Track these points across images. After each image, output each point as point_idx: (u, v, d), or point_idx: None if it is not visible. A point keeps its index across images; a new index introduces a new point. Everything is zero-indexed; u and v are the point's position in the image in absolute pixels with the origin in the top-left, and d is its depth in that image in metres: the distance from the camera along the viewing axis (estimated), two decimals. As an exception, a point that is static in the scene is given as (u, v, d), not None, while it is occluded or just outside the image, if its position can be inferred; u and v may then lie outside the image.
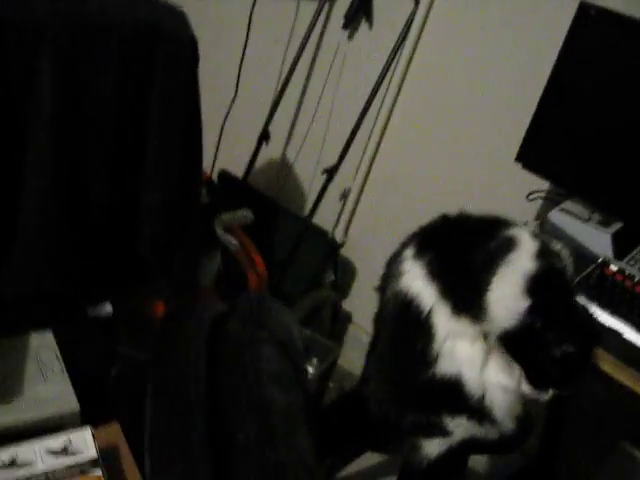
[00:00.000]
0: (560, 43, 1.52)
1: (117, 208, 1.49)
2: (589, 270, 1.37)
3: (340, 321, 2.23)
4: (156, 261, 1.67)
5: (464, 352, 0.93)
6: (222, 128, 2.24)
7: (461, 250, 0.96)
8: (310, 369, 1.89)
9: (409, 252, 0.97)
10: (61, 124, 1.30)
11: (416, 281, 0.94)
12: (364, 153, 2.20)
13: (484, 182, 1.93)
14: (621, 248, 1.54)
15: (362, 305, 2.30)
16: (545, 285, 0.91)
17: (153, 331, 1.87)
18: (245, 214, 1.92)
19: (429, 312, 0.92)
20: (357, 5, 2.14)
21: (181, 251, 1.71)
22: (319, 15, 2.20)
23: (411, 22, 2.03)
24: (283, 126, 2.38)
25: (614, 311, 1.29)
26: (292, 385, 0.84)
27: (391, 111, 2.15)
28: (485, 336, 0.93)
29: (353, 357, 2.11)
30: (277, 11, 2.33)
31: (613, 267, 1.40)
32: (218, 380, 0.78)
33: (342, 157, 2.11)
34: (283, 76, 2.27)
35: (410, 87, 2.11)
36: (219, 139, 2.26)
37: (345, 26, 2.18)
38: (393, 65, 2.06)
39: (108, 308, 1.66)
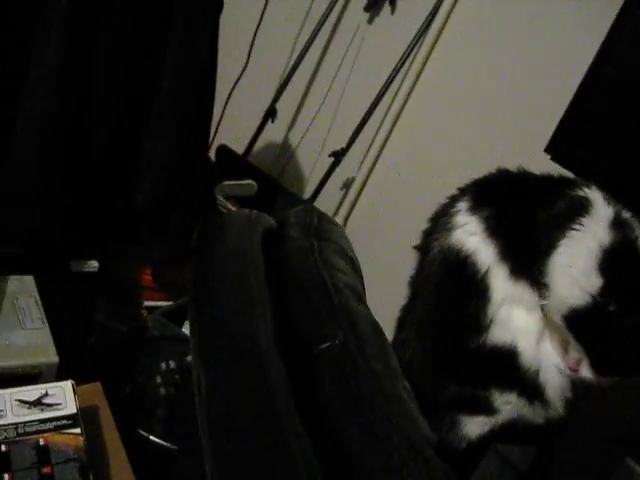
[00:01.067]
0: (586, 38, 1.47)
1: (120, 150, 1.37)
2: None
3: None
4: (151, 217, 1.54)
5: (521, 320, 0.82)
6: (227, 100, 2.11)
7: (524, 207, 0.85)
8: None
9: (463, 205, 0.85)
10: (74, 36, 1.17)
11: (472, 236, 0.83)
12: (373, 142, 2.10)
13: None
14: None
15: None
16: (622, 263, 0.80)
17: (137, 301, 1.74)
18: (249, 184, 1.79)
19: (486, 272, 0.80)
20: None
21: (177, 211, 1.58)
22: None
23: (436, 11, 1.94)
24: (291, 105, 2.27)
25: None
26: (364, 302, 0.72)
27: (406, 101, 2.06)
28: (544, 308, 0.82)
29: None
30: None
31: None
32: (285, 290, 0.65)
33: (352, 141, 2.01)
34: (297, 53, 2.16)
35: (428, 78, 2.02)
36: (223, 111, 2.13)
37: (367, 9, 2.09)
38: (413, 54, 1.97)
39: (94, 264, 1.52)
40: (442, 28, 1.96)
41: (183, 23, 1.35)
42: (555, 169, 1.49)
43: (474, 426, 0.85)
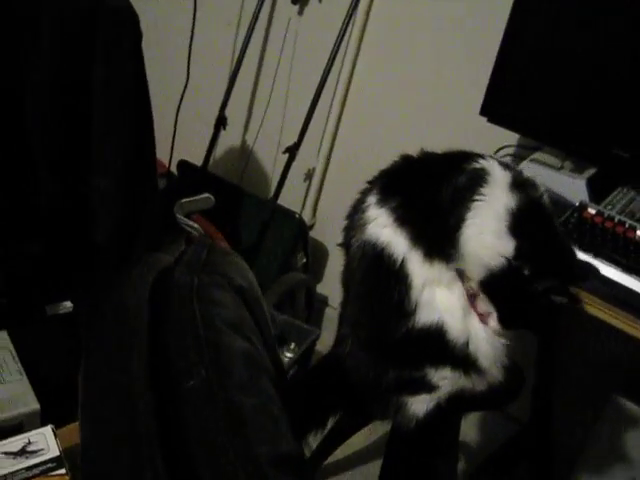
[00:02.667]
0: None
1: (70, 194, 1.41)
2: (567, 215, 1.32)
3: (315, 304, 2.15)
4: (113, 249, 1.59)
5: (444, 299, 0.86)
6: (177, 116, 2.15)
7: (428, 190, 0.88)
8: (288, 355, 1.82)
9: (372, 198, 0.89)
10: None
11: (384, 229, 0.86)
12: (325, 129, 2.13)
13: (451, 144, 1.87)
14: (597, 193, 1.48)
15: (337, 287, 2.23)
16: (529, 221, 0.84)
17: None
18: (205, 198, 1.83)
19: (402, 261, 0.84)
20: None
21: (139, 238, 1.62)
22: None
23: (361, -9, 1.96)
24: (240, 109, 2.31)
25: (597, 253, 1.23)
26: (253, 335, 0.76)
27: (349, 84, 2.09)
28: (463, 278, 0.86)
29: (332, 340, 2.04)
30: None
31: (591, 210, 1.35)
32: (162, 331, 0.70)
33: (302, 134, 2.04)
34: (235, 57, 2.18)
35: (366, 57, 2.05)
36: (174, 128, 2.17)
37: (295, 1, 2.10)
38: (347, 36, 1.99)
39: (67, 305, 1.57)
40: (369, 9, 1.98)
41: (102, 59, 1.38)
42: (494, 129, 1.54)
43: (419, 404, 0.90)
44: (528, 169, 1.49)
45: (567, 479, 1.73)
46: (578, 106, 1.49)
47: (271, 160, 2.28)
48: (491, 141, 1.65)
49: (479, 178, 0.86)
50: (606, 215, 1.33)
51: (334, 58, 2.01)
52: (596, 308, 1.17)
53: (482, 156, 0.89)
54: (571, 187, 1.47)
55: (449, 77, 1.85)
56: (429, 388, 0.89)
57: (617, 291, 1.19)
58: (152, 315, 0.69)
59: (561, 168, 1.52)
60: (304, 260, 2.11)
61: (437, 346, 0.86)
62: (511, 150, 1.68)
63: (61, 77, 1.34)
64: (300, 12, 2.14)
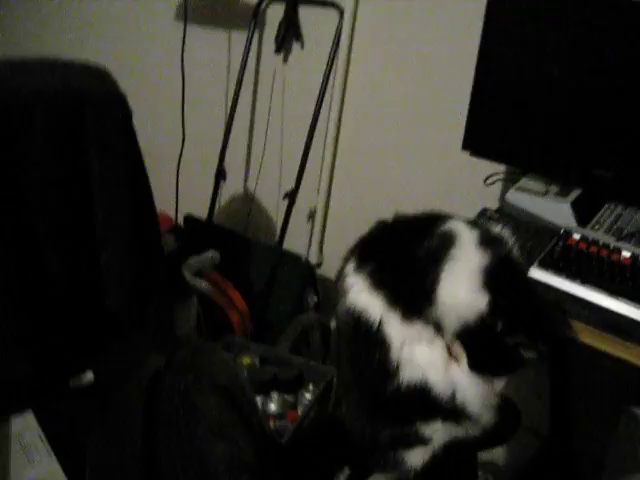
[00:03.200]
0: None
1: (79, 272, 1.49)
2: (552, 244, 1.36)
3: (331, 342, 2.21)
4: (128, 317, 1.66)
5: (424, 355, 0.91)
6: (177, 173, 2.23)
7: (401, 254, 0.94)
8: (307, 396, 1.86)
9: (350, 266, 0.95)
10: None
11: (361, 295, 0.92)
12: (322, 169, 2.19)
13: (442, 176, 1.93)
14: (584, 214, 1.52)
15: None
16: (500, 277, 0.89)
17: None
18: (211, 256, 1.90)
19: (379, 323, 0.90)
20: (285, 28, 2.14)
21: (152, 303, 1.70)
22: (250, 44, 2.20)
23: (340, 32, 2.03)
24: (238, 159, 2.38)
25: (584, 280, 1.27)
26: (237, 434, 0.82)
27: (339, 123, 2.15)
28: (442, 334, 0.91)
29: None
30: (210, 47, 2.33)
31: (576, 236, 1.39)
32: (156, 440, 0.76)
33: (299, 178, 2.10)
34: (228, 110, 2.26)
35: (352, 95, 2.11)
36: (177, 184, 2.25)
37: (277, 50, 2.18)
38: (332, 77, 2.06)
39: (89, 376, 1.64)
40: (349, 50, 2.04)
41: (95, 147, 1.46)
42: (478, 162, 1.59)
43: (416, 457, 0.95)
44: (514, 198, 1.54)
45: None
46: (554, 131, 1.54)
47: (273, 206, 2.34)
48: (481, 170, 1.69)
49: (448, 240, 0.91)
50: (590, 239, 1.37)
51: (322, 100, 2.07)
52: (588, 336, 1.21)
53: (449, 218, 0.95)
54: (557, 211, 1.51)
55: (434, 113, 1.91)
56: (423, 441, 0.94)
57: (607, 316, 1.22)
58: (148, 421, 0.75)
59: (546, 193, 1.56)
60: (315, 299, 2.16)
61: (425, 402, 0.91)
62: (499, 177, 1.72)
63: (58, 169, 1.41)
64: (285, 60, 2.21)
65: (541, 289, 1.26)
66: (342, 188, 2.21)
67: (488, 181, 1.73)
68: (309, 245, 2.27)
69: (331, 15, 2.01)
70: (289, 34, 2.15)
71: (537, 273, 1.30)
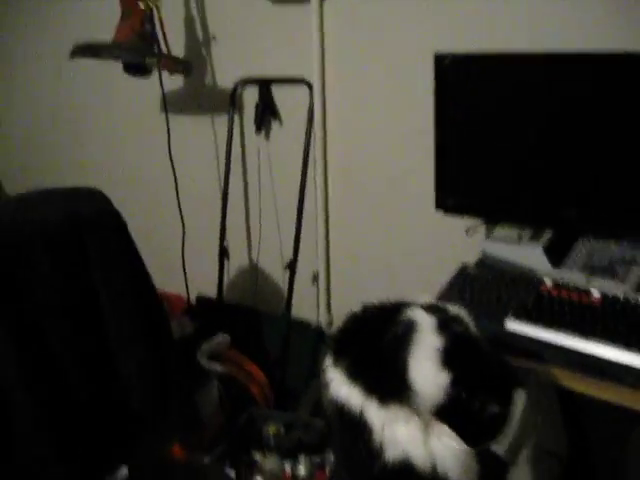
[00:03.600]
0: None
1: (100, 382, 1.61)
2: (523, 294, 1.45)
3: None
4: (152, 413, 1.78)
5: (404, 433, 1.01)
6: (183, 258, 2.37)
7: (371, 345, 1.05)
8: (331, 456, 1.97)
9: (328, 361, 1.06)
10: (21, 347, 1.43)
11: (341, 388, 1.03)
12: (317, 234, 2.30)
13: (428, 229, 2.02)
14: (557, 256, 1.61)
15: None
16: (457, 355, 1.00)
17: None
18: (222, 339, 2.03)
19: (360, 412, 1.01)
20: (261, 109, 2.28)
21: (173, 395, 1.82)
22: (232, 127, 2.34)
23: (312, 106, 2.16)
24: (238, 237, 2.51)
25: (557, 327, 1.36)
26: None
27: (325, 190, 2.26)
28: (418, 413, 1.02)
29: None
30: (195, 135, 2.48)
31: (547, 282, 1.48)
32: None
33: (296, 248, 2.22)
34: (221, 192, 2.40)
35: (334, 162, 2.23)
36: (184, 268, 2.39)
37: (258, 130, 2.31)
38: (312, 148, 2.18)
39: (124, 472, 1.76)
40: (324, 115, 2.17)
41: (96, 264, 1.60)
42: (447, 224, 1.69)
43: (411, 527, 1.05)
44: (491, 248, 1.64)
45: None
46: (517, 180, 1.64)
47: (278, 276, 2.47)
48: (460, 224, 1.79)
49: (410, 327, 1.03)
50: (562, 284, 1.46)
51: (306, 172, 2.20)
52: (566, 379, 1.30)
53: (410, 306, 1.06)
54: (531, 257, 1.61)
55: (413, 172, 2.01)
56: (414, 512, 1.04)
57: (582, 359, 1.31)
58: None
59: (520, 239, 1.65)
60: (329, 360, 2.26)
61: (409, 475, 1.02)
62: (477, 227, 1.82)
63: (68, 293, 1.55)
64: (267, 137, 2.35)
65: (516, 340, 1.36)
66: (340, 250, 2.32)
67: (469, 233, 1.82)
68: (317, 307, 2.38)
69: (303, 90, 2.14)
70: (266, 114, 2.28)
71: (513, 325, 1.39)
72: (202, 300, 2.48)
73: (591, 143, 1.52)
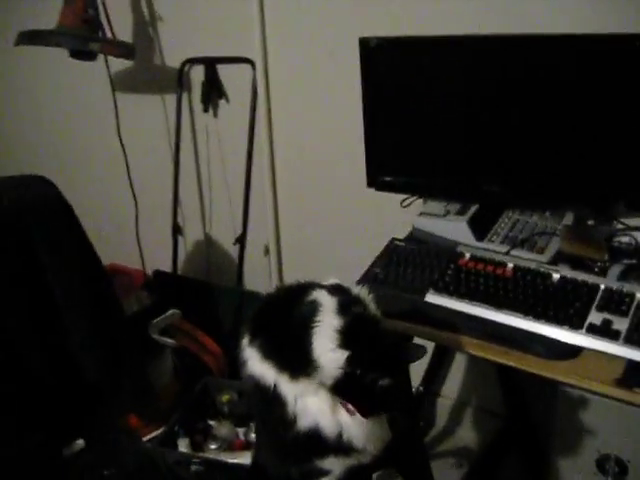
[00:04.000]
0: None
1: (54, 357, 1.69)
2: (443, 268, 1.54)
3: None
4: (106, 385, 1.87)
5: (314, 406, 1.12)
6: (137, 236, 2.45)
7: (280, 325, 1.15)
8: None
9: (245, 341, 1.16)
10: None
11: (256, 365, 1.13)
12: (266, 208, 2.38)
13: (366, 205, 2.10)
14: (482, 229, 1.69)
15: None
16: (354, 334, 1.09)
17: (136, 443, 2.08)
18: (172, 314, 2.12)
19: (274, 386, 1.11)
20: (207, 88, 2.34)
21: (125, 367, 1.91)
22: (181, 105, 2.40)
23: (255, 83, 2.21)
24: (190, 213, 2.58)
25: (472, 298, 1.44)
26: None
27: (272, 165, 2.33)
28: (325, 387, 1.12)
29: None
30: (144, 112, 2.53)
31: (466, 256, 1.56)
32: None
33: (245, 222, 2.30)
34: (172, 169, 2.47)
35: (279, 137, 2.29)
36: (139, 244, 2.47)
37: (206, 109, 2.37)
38: (258, 124, 2.24)
39: (80, 443, 1.86)
40: (268, 97, 2.23)
41: (44, 247, 1.67)
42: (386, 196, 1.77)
43: (324, 486, 1.16)
44: (420, 223, 1.73)
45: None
46: (442, 158, 1.71)
47: (230, 250, 2.55)
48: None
49: (314, 308, 1.12)
50: (479, 257, 1.56)
51: (252, 147, 2.27)
52: (476, 349, 1.39)
53: (315, 287, 1.15)
54: (456, 230, 1.69)
55: (352, 146, 2.06)
56: (325, 473, 1.15)
57: (493, 328, 1.40)
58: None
59: (446, 214, 1.73)
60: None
61: (319, 443, 1.12)
62: (412, 200, 1.89)
63: (17, 276, 1.62)
64: (215, 115, 2.41)
65: (435, 311, 1.45)
66: (289, 222, 2.40)
67: (404, 204, 1.90)
68: (270, 278, 2.47)
69: (246, 69, 2.19)
70: (213, 92, 2.33)
71: (432, 297, 1.48)
72: (159, 274, 2.56)
73: (511, 120, 1.59)
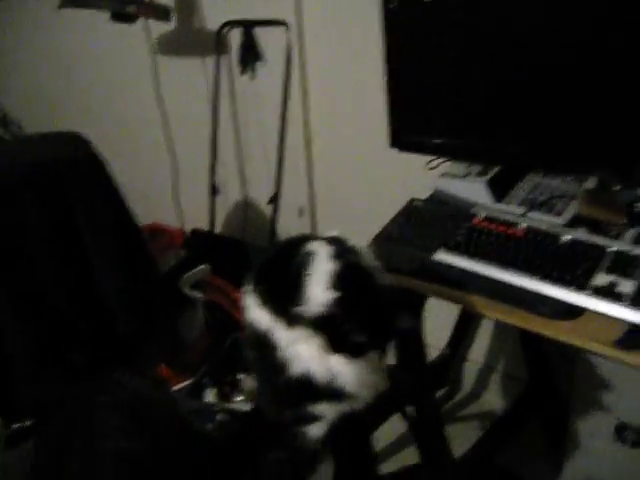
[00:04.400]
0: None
1: (89, 314, 1.78)
2: (456, 227, 1.55)
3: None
4: (140, 337, 1.96)
5: (306, 352, 1.15)
6: (177, 195, 2.53)
7: (278, 274, 1.19)
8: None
9: (248, 287, 1.21)
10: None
11: (254, 311, 1.18)
12: (299, 165, 2.42)
13: (399, 164, 2.09)
14: (501, 191, 1.69)
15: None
16: (344, 279, 1.13)
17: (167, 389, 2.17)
18: (202, 269, 2.19)
19: (270, 331, 1.16)
20: (244, 51, 2.38)
21: (157, 321, 2.00)
22: (219, 67, 2.45)
23: (290, 46, 2.24)
24: (228, 173, 2.64)
25: (481, 257, 1.45)
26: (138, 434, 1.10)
27: (307, 126, 2.36)
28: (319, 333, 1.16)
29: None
30: (183, 74, 2.59)
31: (481, 215, 1.57)
32: None
33: (278, 184, 2.35)
34: (210, 130, 2.53)
35: (315, 100, 2.32)
36: (180, 205, 2.55)
37: (242, 72, 2.41)
38: (294, 86, 2.27)
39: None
40: (302, 59, 2.26)
41: (80, 205, 1.74)
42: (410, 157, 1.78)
43: (315, 430, 1.20)
44: (442, 184, 1.74)
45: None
46: (466, 116, 1.70)
47: (267, 210, 2.60)
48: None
49: (309, 257, 1.16)
50: (493, 217, 1.56)
51: (286, 109, 2.30)
52: (482, 306, 1.41)
53: (312, 239, 1.19)
54: (475, 191, 1.69)
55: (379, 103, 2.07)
56: (317, 418, 1.20)
57: (500, 287, 1.40)
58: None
59: (467, 175, 1.74)
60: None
61: (310, 388, 1.16)
62: (438, 161, 1.89)
63: (53, 231, 1.71)
64: (252, 78, 2.45)
65: (442, 269, 1.47)
66: (324, 183, 2.43)
67: (429, 165, 1.90)
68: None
69: (280, 31, 2.22)
70: (250, 55, 2.37)
71: (442, 256, 1.50)
72: (196, 233, 2.64)
73: (535, 78, 1.56)
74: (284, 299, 1.17)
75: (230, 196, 2.64)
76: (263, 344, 1.17)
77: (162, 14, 2.14)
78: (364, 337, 1.13)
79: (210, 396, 2.08)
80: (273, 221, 2.36)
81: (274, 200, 2.34)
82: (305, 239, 1.21)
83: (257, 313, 1.18)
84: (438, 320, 1.92)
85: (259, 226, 2.63)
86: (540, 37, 1.51)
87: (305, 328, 1.15)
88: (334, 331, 1.13)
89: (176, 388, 2.15)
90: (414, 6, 1.62)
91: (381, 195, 2.27)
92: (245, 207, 2.62)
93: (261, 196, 2.57)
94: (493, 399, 2.26)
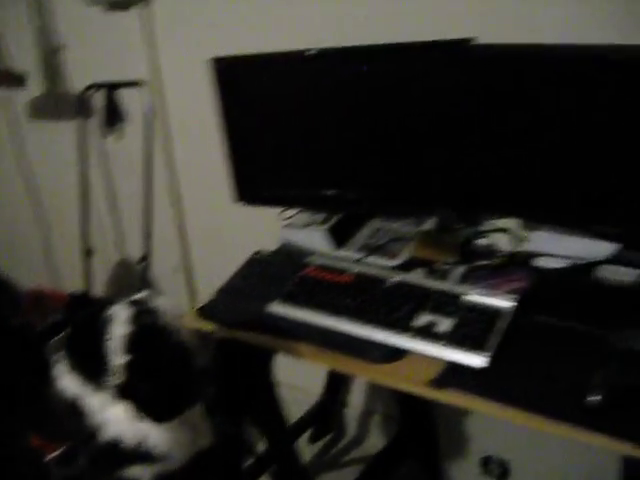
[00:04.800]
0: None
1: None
2: (290, 278, 1.58)
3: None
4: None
5: (114, 417, 1.17)
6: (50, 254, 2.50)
7: (82, 341, 1.22)
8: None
9: (57, 357, 1.22)
10: None
11: (64, 377, 1.19)
12: (168, 224, 2.43)
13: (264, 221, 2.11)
14: (342, 238, 1.73)
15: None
16: (136, 342, 1.16)
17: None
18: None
19: (79, 397, 1.16)
20: (107, 113, 2.40)
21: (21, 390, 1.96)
22: (84, 131, 2.46)
23: (150, 104, 2.28)
24: (103, 233, 2.65)
25: (310, 307, 1.47)
26: None
27: (175, 182, 2.38)
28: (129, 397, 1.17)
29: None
30: (52, 140, 2.60)
31: (315, 264, 1.60)
32: None
33: (147, 243, 2.36)
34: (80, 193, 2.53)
35: (181, 156, 2.36)
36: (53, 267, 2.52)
37: (104, 136, 2.44)
38: (158, 143, 2.30)
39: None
40: (164, 117, 2.29)
41: None
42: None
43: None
44: (287, 235, 1.77)
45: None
46: (303, 170, 1.76)
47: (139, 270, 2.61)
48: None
49: (108, 321, 1.18)
50: (324, 265, 1.60)
51: (152, 166, 2.33)
52: (310, 355, 1.43)
53: (114, 303, 1.21)
54: (316, 239, 1.73)
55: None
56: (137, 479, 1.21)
57: (330, 336, 1.42)
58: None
59: (309, 224, 1.77)
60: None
61: (122, 452, 1.17)
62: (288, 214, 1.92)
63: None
64: (117, 139, 2.47)
65: (275, 321, 1.50)
66: (198, 238, 2.45)
67: (282, 216, 1.93)
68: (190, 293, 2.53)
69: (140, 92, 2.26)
70: (114, 116, 2.40)
71: (276, 307, 1.53)
72: (74, 298, 2.62)
73: (371, 130, 1.63)
74: (89, 365, 1.18)
75: (105, 256, 2.64)
76: (74, 410, 1.17)
77: (16, 81, 2.14)
78: (165, 397, 1.14)
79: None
80: (144, 281, 2.35)
81: (144, 260, 2.34)
82: (108, 304, 1.22)
83: (67, 380, 1.18)
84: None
85: (137, 286, 2.62)
86: (366, 93, 1.59)
87: (110, 393, 1.16)
88: (135, 395, 1.14)
89: (50, 457, 2.09)
90: (238, 64, 1.67)
91: (252, 247, 2.29)
92: (123, 267, 2.61)
93: (137, 255, 2.57)
94: (377, 441, 2.29)
